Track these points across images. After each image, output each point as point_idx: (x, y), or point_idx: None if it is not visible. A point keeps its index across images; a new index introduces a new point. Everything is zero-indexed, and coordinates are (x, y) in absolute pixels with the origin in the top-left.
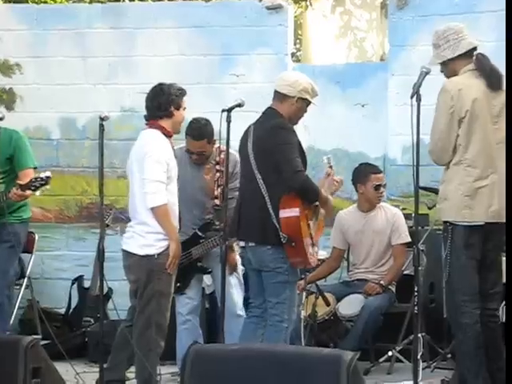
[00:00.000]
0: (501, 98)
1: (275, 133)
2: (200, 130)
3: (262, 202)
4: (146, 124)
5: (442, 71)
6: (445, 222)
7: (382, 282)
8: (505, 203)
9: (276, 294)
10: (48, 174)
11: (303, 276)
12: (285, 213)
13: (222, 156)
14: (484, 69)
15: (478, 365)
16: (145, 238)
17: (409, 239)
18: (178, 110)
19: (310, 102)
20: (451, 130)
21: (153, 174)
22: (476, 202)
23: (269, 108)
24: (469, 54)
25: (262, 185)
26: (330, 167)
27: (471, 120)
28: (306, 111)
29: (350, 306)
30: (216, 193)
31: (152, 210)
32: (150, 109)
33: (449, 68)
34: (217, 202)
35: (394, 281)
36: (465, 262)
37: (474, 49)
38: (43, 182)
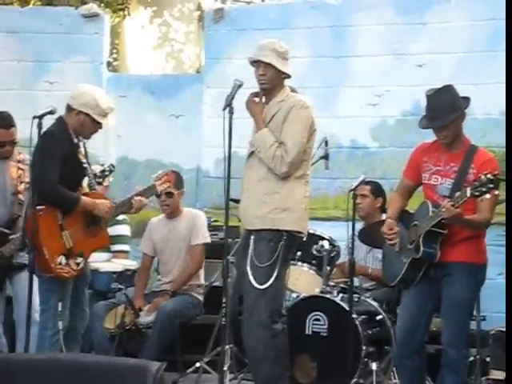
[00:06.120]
0: None
1: (39, 140)
2: (9, 118)
3: None
4: None
5: (263, 74)
6: (276, 231)
7: (169, 289)
8: None
9: (42, 301)
10: None
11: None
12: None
13: (22, 156)
14: None
15: (286, 368)
16: None
17: (207, 240)
18: None
19: (94, 119)
20: (306, 145)
21: None
22: (306, 216)
23: (60, 116)
24: None
25: (30, 190)
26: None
27: (313, 138)
28: (96, 127)
29: (148, 313)
30: (19, 188)
31: None
32: None
33: (278, 80)
34: (21, 196)
35: (184, 284)
36: (284, 271)
37: None
38: None
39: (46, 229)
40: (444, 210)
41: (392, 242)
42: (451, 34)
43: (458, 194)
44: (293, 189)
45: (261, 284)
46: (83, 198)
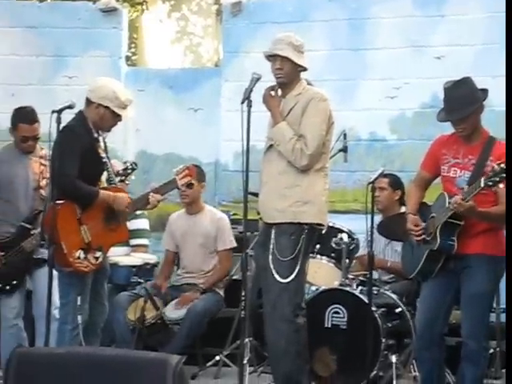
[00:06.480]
0: None
1: (59, 135)
2: (33, 114)
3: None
4: None
5: (280, 68)
6: (298, 224)
7: (201, 286)
8: None
9: (61, 295)
10: None
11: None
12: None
13: (44, 152)
14: None
15: (306, 361)
16: None
17: (234, 244)
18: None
19: (114, 112)
20: (325, 137)
21: None
22: (326, 209)
23: (80, 111)
24: None
25: (50, 185)
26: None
27: (331, 131)
28: (116, 119)
29: (176, 309)
30: (41, 183)
31: None
32: None
33: (295, 73)
34: (42, 192)
35: (216, 284)
36: (305, 264)
37: None
38: None
39: (64, 223)
40: (455, 205)
41: (419, 239)
42: (469, 26)
43: (467, 187)
44: (313, 181)
45: (284, 278)
46: (102, 191)
